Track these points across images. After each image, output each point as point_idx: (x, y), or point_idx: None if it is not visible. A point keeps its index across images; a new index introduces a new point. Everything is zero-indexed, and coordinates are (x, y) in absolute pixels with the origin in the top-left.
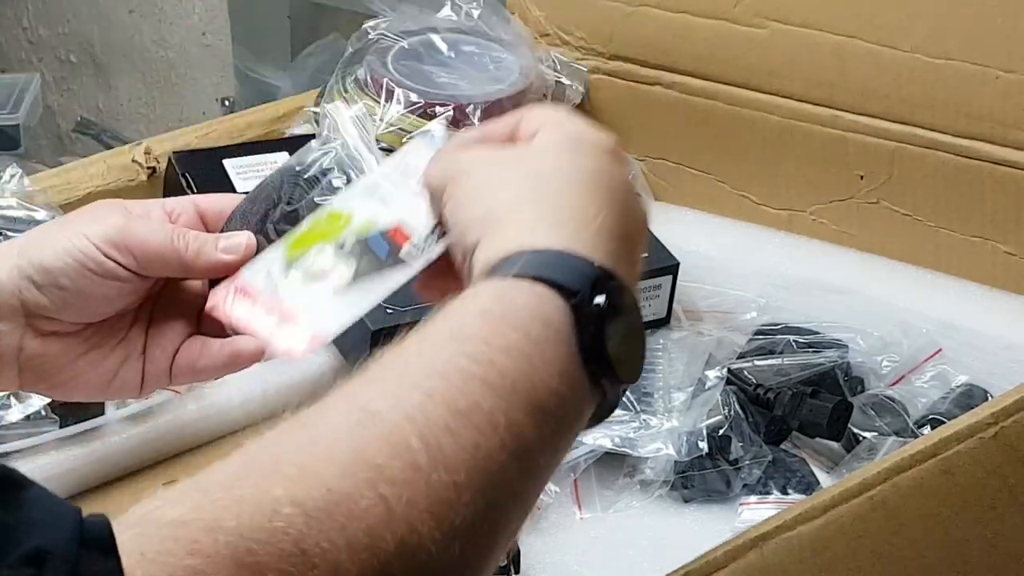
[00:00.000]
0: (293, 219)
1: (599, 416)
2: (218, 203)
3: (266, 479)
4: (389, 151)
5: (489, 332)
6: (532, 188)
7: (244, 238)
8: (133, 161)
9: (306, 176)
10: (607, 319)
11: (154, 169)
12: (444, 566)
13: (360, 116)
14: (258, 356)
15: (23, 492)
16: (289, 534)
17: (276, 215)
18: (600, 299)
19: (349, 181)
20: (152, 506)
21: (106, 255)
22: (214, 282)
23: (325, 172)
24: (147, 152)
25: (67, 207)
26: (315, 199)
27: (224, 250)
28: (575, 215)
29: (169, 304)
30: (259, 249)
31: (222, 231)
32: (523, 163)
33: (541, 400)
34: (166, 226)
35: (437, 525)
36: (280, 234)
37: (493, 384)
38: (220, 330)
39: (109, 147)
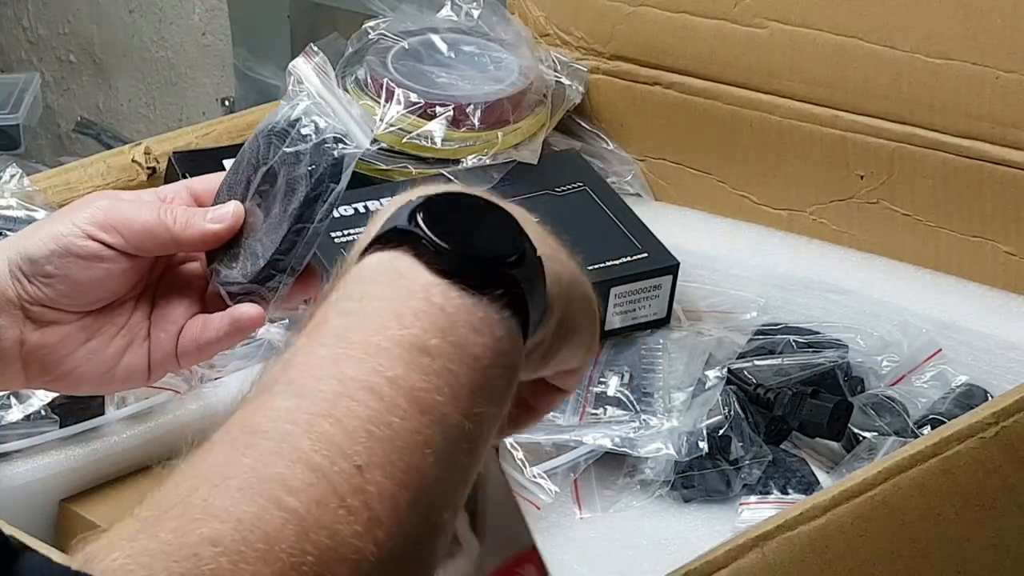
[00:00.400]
0: (271, 177)
1: (532, 307)
2: (210, 182)
3: (181, 523)
4: (389, 151)
5: (333, 303)
6: None
7: (231, 207)
8: (133, 161)
9: (276, 131)
10: (435, 219)
11: (154, 169)
12: (383, 553)
13: (320, 64)
14: (259, 321)
15: (17, 563)
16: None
17: (257, 178)
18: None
19: (317, 128)
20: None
21: (91, 236)
22: (211, 261)
23: (293, 123)
24: (147, 152)
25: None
26: (286, 150)
27: (212, 220)
28: None
29: (170, 288)
30: (248, 215)
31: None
32: None
33: (420, 344)
34: (154, 203)
35: (355, 517)
36: (263, 196)
37: (350, 353)
38: (223, 308)
39: (109, 147)
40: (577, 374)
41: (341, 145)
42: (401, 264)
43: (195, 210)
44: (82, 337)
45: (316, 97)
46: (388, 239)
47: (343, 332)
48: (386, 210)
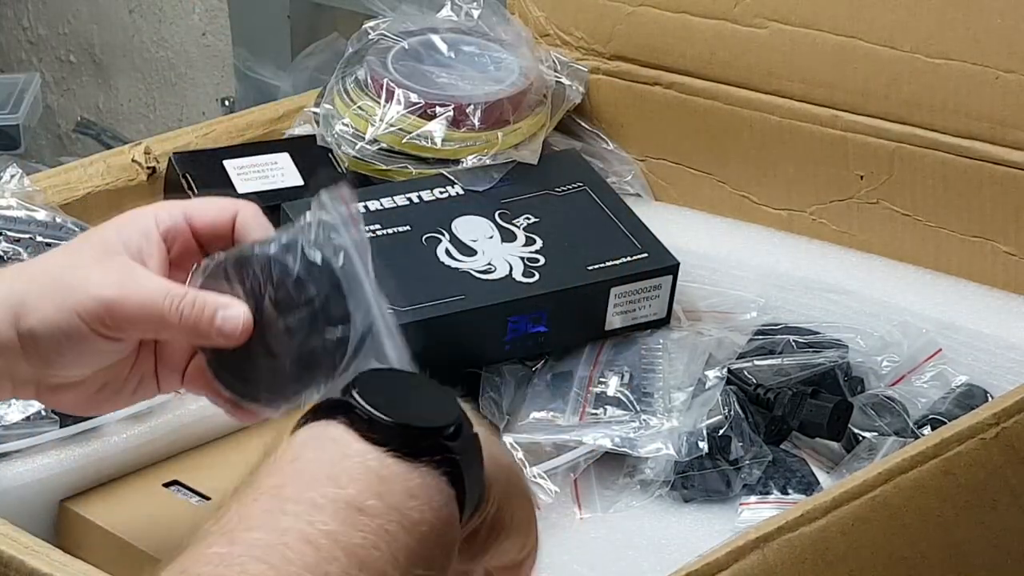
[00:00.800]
0: (287, 304)
1: (462, 456)
2: (209, 212)
3: None
4: (389, 151)
5: (266, 466)
6: None
7: (241, 317)
8: (133, 161)
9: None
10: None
11: (154, 169)
12: None
13: (354, 215)
14: None
15: None
16: None
17: (269, 292)
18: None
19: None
20: None
21: (95, 331)
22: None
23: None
24: (147, 152)
25: (67, 207)
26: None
27: (220, 331)
28: None
29: None
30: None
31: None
32: None
33: (357, 504)
34: (160, 291)
35: None
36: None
37: (285, 508)
38: None
39: (109, 147)
40: (518, 569)
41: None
42: (335, 432)
43: (204, 304)
44: (93, 388)
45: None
46: (321, 413)
47: (277, 490)
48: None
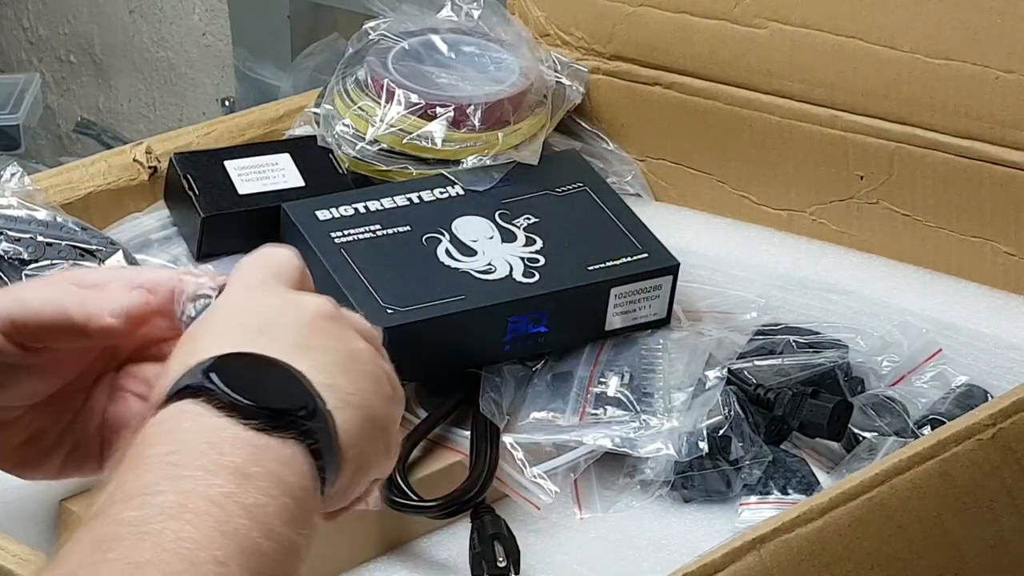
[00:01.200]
0: None
1: (320, 444)
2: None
3: None
4: (390, 152)
5: (142, 445)
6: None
7: (126, 300)
8: (134, 160)
9: None
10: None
11: (155, 169)
12: None
13: None
14: None
15: None
16: None
17: None
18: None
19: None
20: None
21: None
22: None
23: None
24: (148, 151)
25: (68, 207)
26: None
27: (112, 313)
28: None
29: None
30: None
31: None
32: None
33: (243, 470)
34: (63, 288)
35: None
36: None
37: (181, 473)
38: None
39: (109, 147)
40: (374, 487)
41: None
42: (202, 409)
43: (105, 297)
44: (16, 435)
45: None
46: (186, 394)
47: (168, 456)
48: (169, 372)
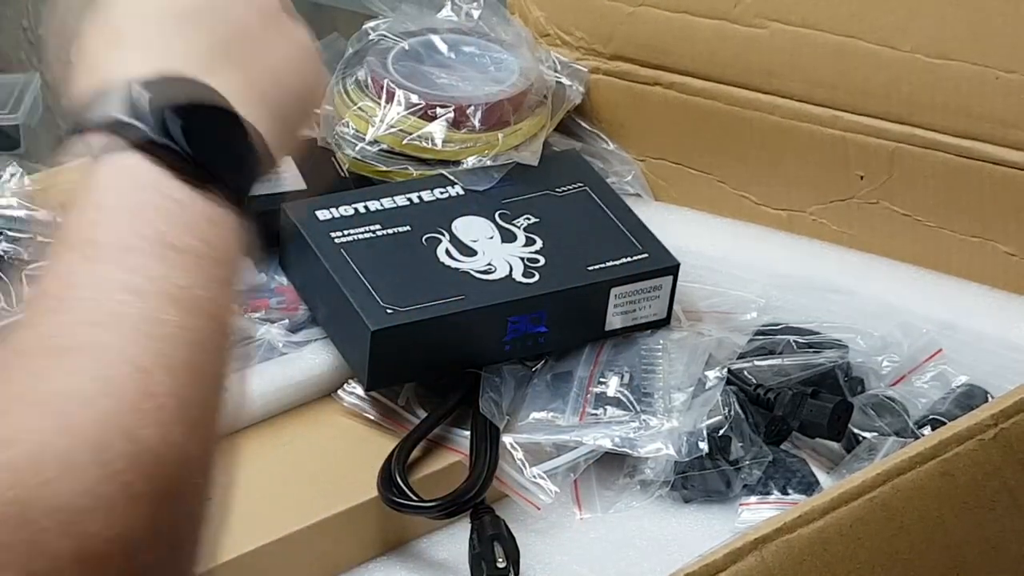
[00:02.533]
0: None
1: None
2: None
3: None
4: (390, 152)
5: (75, 217)
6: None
7: None
8: None
9: None
10: (163, 129)
11: None
12: (182, 451)
13: None
14: None
15: None
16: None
17: None
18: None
19: None
20: None
21: None
22: None
23: None
24: None
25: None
26: None
27: None
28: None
29: None
30: None
31: None
32: None
33: (169, 242)
34: None
35: (147, 419)
36: None
37: (102, 255)
38: None
39: None
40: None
41: None
42: (131, 162)
43: None
44: None
45: None
46: (118, 137)
47: (90, 236)
48: (89, 68)
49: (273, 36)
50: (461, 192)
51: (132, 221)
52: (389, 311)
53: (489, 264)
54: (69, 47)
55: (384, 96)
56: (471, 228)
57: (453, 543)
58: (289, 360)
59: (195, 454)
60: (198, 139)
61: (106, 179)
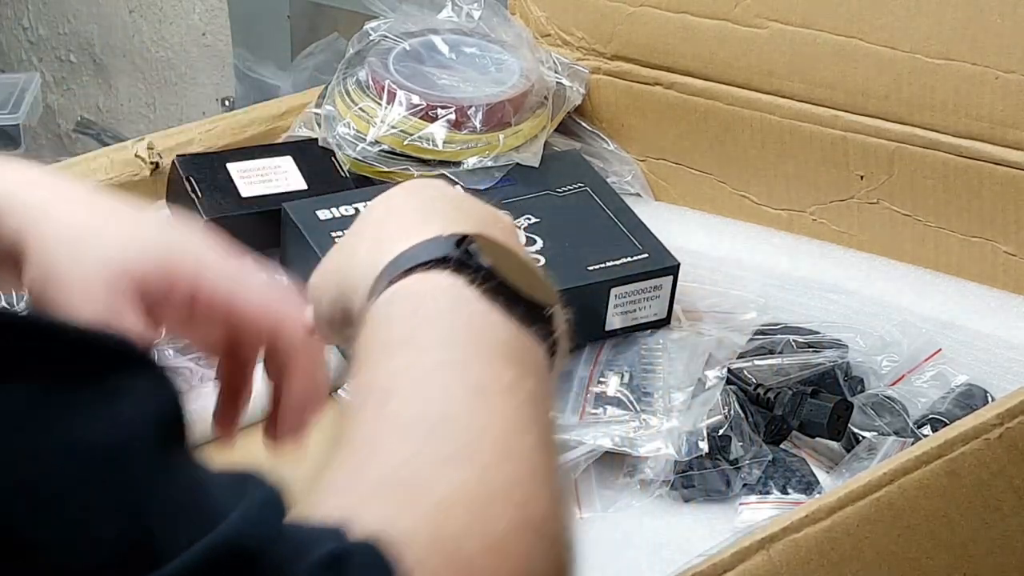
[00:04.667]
0: None
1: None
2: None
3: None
4: (391, 153)
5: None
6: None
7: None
8: (136, 156)
9: None
10: (488, 262)
11: (157, 164)
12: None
13: None
14: None
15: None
16: None
17: None
18: (472, 247)
19: None
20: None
21: None
22: None
23: None
24: (150, 147)
25: None
26: None
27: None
28: (411, 222)
29: None
30: None
31: None
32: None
33: (512, 354)
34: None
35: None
36: None
37: (455, 359)
38: None
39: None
40: None
41: None
42: (462, 290)
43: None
44: None
45: None
46: (423, 268)
47: (430, 343)
48: (395, 234)
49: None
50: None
51: (478, 336)
52: None
53: None
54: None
55: (385, 97)
56: None
57: None
58: None
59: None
60: (513, 274)
61: (436, 296)
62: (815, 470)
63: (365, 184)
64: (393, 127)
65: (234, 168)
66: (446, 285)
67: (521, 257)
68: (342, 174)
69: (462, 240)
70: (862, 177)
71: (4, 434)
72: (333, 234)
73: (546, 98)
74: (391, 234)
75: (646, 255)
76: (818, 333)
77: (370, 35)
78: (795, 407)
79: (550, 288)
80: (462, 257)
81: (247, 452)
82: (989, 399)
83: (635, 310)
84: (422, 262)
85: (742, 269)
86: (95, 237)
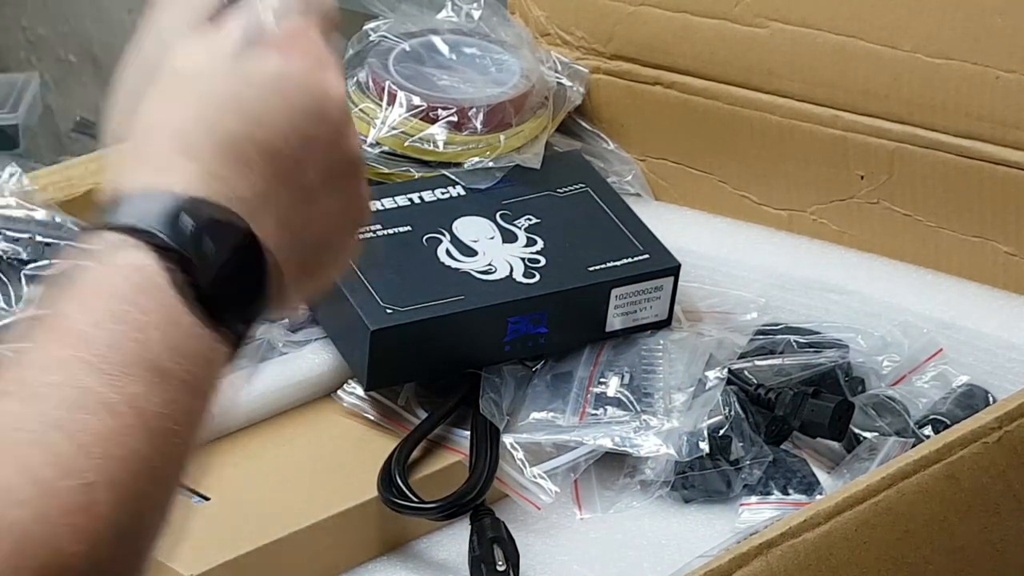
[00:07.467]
0: None
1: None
2: None
3: None
4: (391, 154)
5: (76, 308)
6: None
7: None
8: None
9: None
10: (198, 254)
11: None
12: (102, 571)
13: None
14: None
15: None
16: None
17: None
18: (186, 231)
19: None
20: None
21: None
22: None
23: None
24: None
25: (67, 204)
26: None
27: None
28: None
29: None
30: None
31: None
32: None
33: (156, 362)
34: None
35: (78, 535)
36: None
37: (93, 364)
38: None
39: None
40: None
41: None
42: (160, 280)
43: None
44: None
45: None
46: (137, 237)
47: (80, 329)
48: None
49: (330, 191)
50: (462, 192)
51: (128, 330)
52: (389, 311)
53: (490, 264)
54: (132, 113)
55: (385, 98)
56: (472, 228)
57: (453, 543)
58: (289, 360)
59: None
60: (222, 276)
61: (114, 279)
62: (816, 471)
63: None
64: (393, 128)
65: None
66: (139, 265)
67: (236, 240)
68: None
69: (195, 205)
70: (862, 177)
71: None
72: None
73: (547, 98)
74: (147, 149)
75: (647, 256)
76: (819, 333)
77: (369, 35)
78: (796, 407)
79: (259, 277)
80: (173, 236)
81: (241, 455)
82: (990, 400)
83: (636, 311)
84: (131, 226)
85: (742, 269)
86: None
